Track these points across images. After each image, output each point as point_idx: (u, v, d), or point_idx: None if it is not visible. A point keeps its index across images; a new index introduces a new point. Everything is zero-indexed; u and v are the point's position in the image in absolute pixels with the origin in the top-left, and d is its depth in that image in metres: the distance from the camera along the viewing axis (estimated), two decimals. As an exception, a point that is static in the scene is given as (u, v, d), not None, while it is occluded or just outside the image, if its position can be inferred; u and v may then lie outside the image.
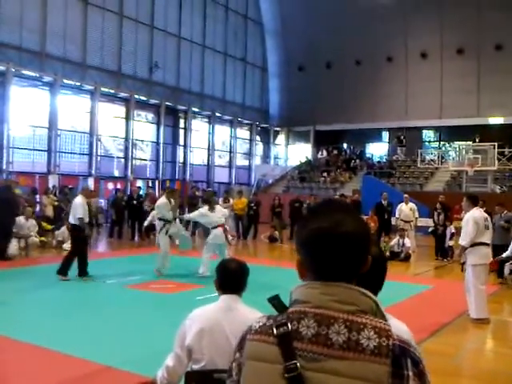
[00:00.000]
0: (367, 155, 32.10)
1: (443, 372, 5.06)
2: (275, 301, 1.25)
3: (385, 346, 1.12)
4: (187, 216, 11.70)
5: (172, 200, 10.67)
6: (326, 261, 1.22)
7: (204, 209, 10.59)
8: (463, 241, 7.30)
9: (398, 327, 2.02)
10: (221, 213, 10.47)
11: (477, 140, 25.10)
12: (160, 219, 10.44)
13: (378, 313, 1.21)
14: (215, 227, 10.13)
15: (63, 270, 9.25)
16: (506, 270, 10.25)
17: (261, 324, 1.24)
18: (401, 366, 1.12)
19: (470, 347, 6.22)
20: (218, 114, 29.50)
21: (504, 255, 10.29)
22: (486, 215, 7.67)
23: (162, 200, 10.65)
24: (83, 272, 9.46)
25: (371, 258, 1.94)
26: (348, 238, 1.21)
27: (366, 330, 1.14)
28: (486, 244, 7.40)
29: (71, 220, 9.73)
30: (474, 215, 7.30)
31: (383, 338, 1.13)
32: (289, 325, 1.18)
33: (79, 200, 9.71)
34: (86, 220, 9.74)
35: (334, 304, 1.18)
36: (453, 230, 13.70)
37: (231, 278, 3.08)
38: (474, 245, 7.25)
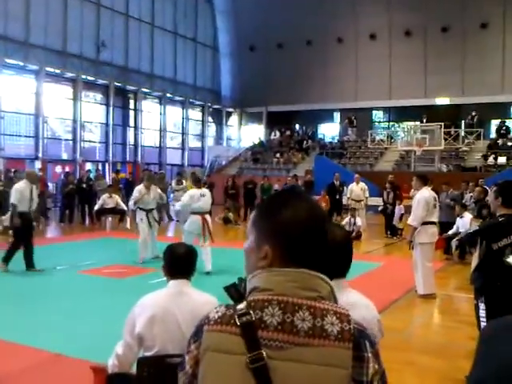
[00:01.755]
0: (319, 136, 32.40)
1: (393, 347, 5.22)
2: (232, 289, 1.23)
3: (347, 330, 1.14)
4: (178, 205, 10.05)
5: (153, 187, 9.95)
6: (301, 247, 1.21)
7: (193, 191, 9.23)
8: (414, 221, 7.31)
9: (363, 302, 2.09)
10: (209, 199, 9.24)
11: (424, 120, 25.75)
12: (140, 208, 9.77)
13: (333, 297, 1.22)
14: (196, 213, 8.96)
15: (4, 259, 8.72)
16: (453, 247, 10.62)
17: (220, 314, 1.19)
18: (361, 348, 1.14)
19: (418, 322, 6.44)
20: (168, 95, 29.02)
21: (450, 232, 10.67)
22: (435, 194, 7.87)
23: (139, 188, 9.92)
24: (28, 264, 8.77)
25: (340, 240, 1.99)
26: (319, 224, 1.24)
27: (328, 315, 1.15)
28: (434, 223, 7.55)
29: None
30: (424, 196, 7.33)
31: (345, 323, 1.15)
32: (252, 314, 1.15)
33: (18, 185, 9.00)
34: (24, 208, 8.75)
35: (297, 291, 1.17)
36: (402, 211, 14.03)
37: (180, 263, 3.04)
38: (422, 224, 7.33)
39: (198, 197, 8.96)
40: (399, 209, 14.25)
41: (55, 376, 4.40)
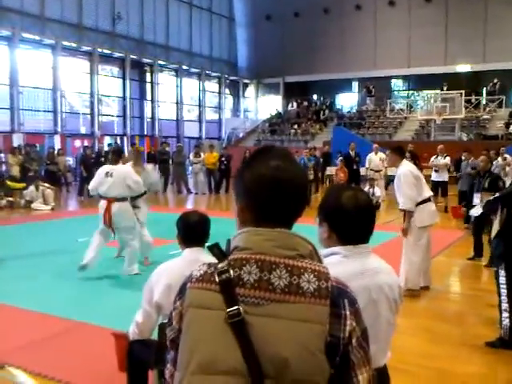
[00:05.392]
0: (337, 106, 32.05)
1: (411, 314, 5.24)
2: (215, 248, 1.26)
3: (324, 288, 1.18)
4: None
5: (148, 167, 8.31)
6: (267, 206, 1.24)
7: (101, 168, 6.90)
8: (406, 204, 5.95)
9: (385, 268, 2.08)
10: (119, 182, 6.57)
11: (444, 88, 25.27)
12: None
13: (316, 256, 1.25)
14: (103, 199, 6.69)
15: None
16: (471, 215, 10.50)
17: (202, 272, 1.24)
18: (339, 305, 1.18)
19: (435, 289, 6.43)
20: (185, 67, 28.87)
21: (470, 201, 10.56)
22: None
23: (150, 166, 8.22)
24: None
25: (364, 204, 1.98)
26: (288, 183, 1.24)
27: (306, 273, 1.18)
28: (429, 200, 6.22)
29: None
30: (410, 169, 6.08)
31: (322, 281, 1.18)
32: (231, 271, 1.19)
33: None
34: None
35: (275, 249, 1.21)
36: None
37: (193, 231, 3.06)
38: (419, 203, 6.04)
39: (103, 177, 6.62)
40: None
41: (79, 342, 4.53)
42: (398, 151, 6.34)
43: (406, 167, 6.11)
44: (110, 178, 6.58)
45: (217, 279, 1.20)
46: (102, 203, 6.65)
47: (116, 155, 7.00)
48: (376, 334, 1.94)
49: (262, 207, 1.24)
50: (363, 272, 1.97)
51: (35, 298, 5.84)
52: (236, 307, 1.16)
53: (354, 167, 15.72)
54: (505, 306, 4.57)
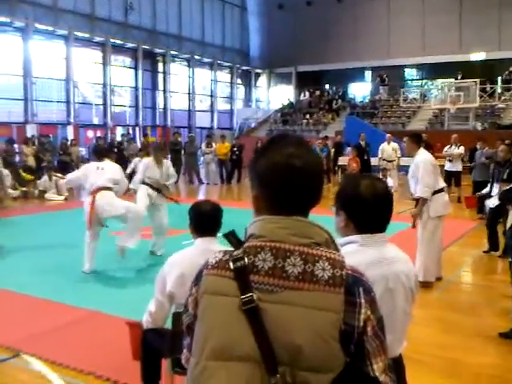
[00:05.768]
0: (350, 96, 31.80)
1: (424, 304, 5.22)
2: (231, 236, 1.27)
3: (338, 276, 1.17)
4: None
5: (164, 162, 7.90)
6: (282, 194, 1.23)
7: (89, 164, 7.02)
8: (426, 192, 5.85)
9: (402, 257, 2.07)
10: (111, 175, 6.62)
11: (459, 77, 24.98)
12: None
13: (332, 244, 1.25)
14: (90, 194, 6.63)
15: None
16: (486, 206, 10.41)
17: (217, 259, 1.25)
18: (353, 294, 1.18)
19: (448, 280, 6.39)
20: (197, 57, 28.81)
21: (484, 191, 10.45)
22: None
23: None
24: None
25: (382, 193, 1.96)
26: (302, 170, 1.23)
27: (320, 261, 1.18)
28: (443, 190, 6.22)
29: None
30: (428, 158, 6.00)
31: (337, 269, 1.18)
32: (245, 259, 1.20)
33: None
34: None
35: (290, 237, 1.21)
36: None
37: (206, 221, 3.06)
38: (434, 192, 6.00)
39: (93, 169, 6.59)
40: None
41: (93, 330, 4.58)
42: (415, 139, 6.23)
43: (425, 155, 6.01)
44: (101, 171, 6.54)
45: (231, 266, 1.20)
46: (89, 198, 6.48)
47: (97, 155, 7.01)
48: (392, 324, 1.93)
49: (277, 195, 1.24)
50: (381, 260, 1.96)
51: (49, 287, 5.91)
52: (250, 294, 1.16)
53: (365, 157, 15.64)
54: (519, 296, 4.54)
